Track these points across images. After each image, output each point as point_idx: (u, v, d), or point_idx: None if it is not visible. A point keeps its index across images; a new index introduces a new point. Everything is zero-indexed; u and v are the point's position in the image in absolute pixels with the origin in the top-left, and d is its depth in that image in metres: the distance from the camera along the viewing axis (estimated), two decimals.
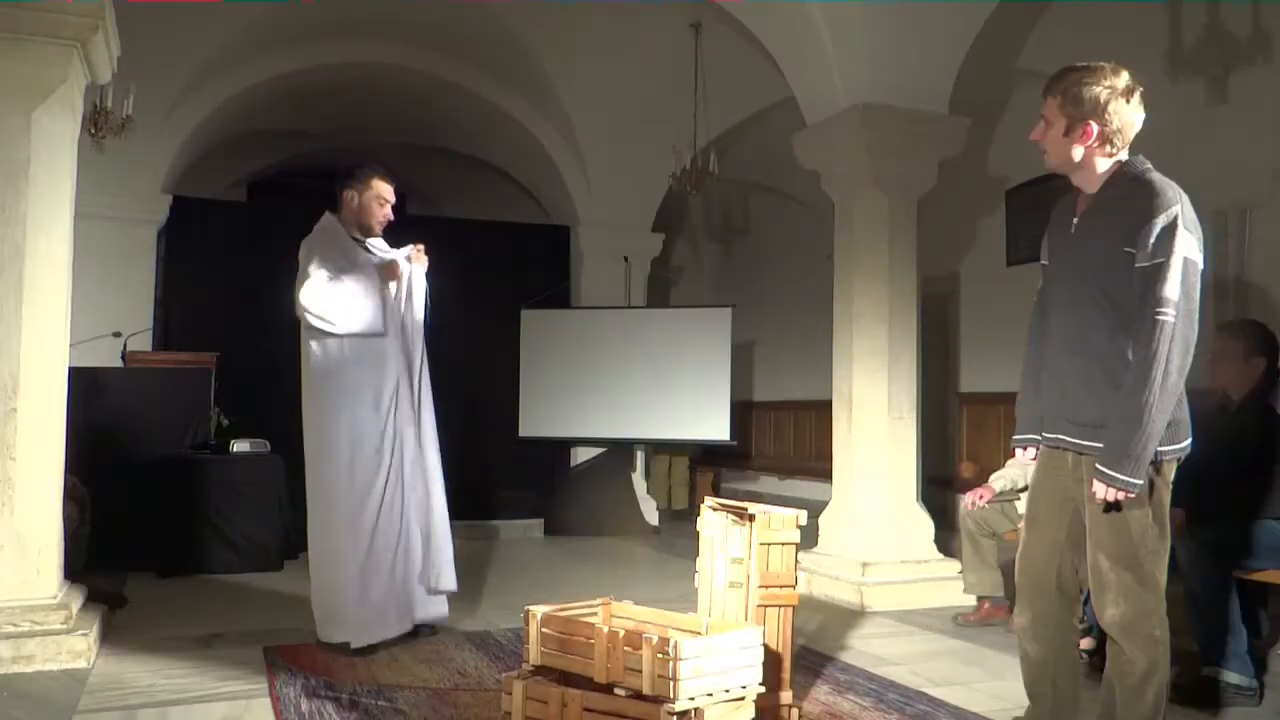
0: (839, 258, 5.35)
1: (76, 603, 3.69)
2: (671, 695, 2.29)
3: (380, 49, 7.28)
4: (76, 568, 4.08)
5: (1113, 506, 2.31)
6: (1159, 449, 2.28)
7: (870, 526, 5.01)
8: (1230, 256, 5.69)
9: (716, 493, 9.33)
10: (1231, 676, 3.23)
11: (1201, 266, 2.27)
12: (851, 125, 5.03)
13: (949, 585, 4.85)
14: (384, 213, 3.95)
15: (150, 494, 5.51)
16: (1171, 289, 2.21)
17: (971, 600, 4.51)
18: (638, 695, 2.37)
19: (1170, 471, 2.38)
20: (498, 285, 8.17)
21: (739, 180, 9.43)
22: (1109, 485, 2.25)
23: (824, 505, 5.35)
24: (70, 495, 3.99)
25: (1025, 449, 2.62)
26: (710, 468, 10.24)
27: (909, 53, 4.94)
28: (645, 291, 8.73)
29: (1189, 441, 2.37)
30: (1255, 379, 3.57)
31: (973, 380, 7.90)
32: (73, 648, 3.46)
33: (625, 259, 8.53)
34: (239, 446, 5.86)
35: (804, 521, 2.88)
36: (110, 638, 3.88)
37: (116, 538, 5.09)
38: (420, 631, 3.98)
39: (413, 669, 3.48)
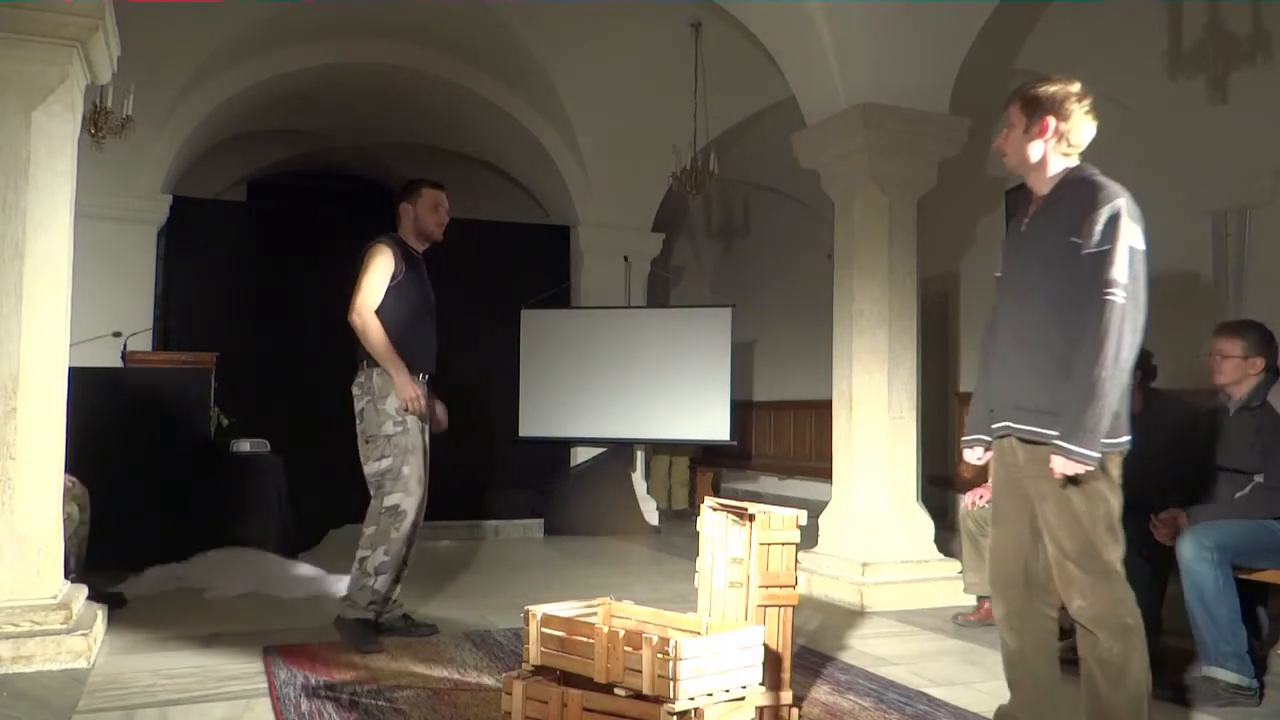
0: (839, 258, 5.35)
1: (76, 603, 3.68)
2: (671, 695, 2.29)
3: (380, 49, 7.28)
4: (76, 568, 4.07)
5: (1071, 481, 2.36)
6: (1101, 441, 2.32)
7: (870, 526, 5.01)
8: (1230, 256, 5.69)
9: (716, 493, 9.34)
10: (1231, 676, 3.23)
11: (1144, 253, 2.36)
12: (851, 125, 5.03)
13: (949, 585, 4.85)
14: (438, 217, 4.09)
15: (150, 494, 5.51)
16: (1119, 272, 2.30)
17: (971, 600, 4.51)
18: (638, 695, 2.36)
19: (1114, 466, 2.41)
20: (498, 285, 8.18)
21: (739, 180, 9.43)
22: (1067, 458, 2.31)
23: (824, 505, 5.36)
24: (70, 495, 3.99)
25: (972, 448, 2.71)
26: (710, 468, 10.24)
27: (909, 53, 4.94)
28: (645, 291, 8.73)
29: (1128, 438, 2.41)
30: (1255, 379, 3.58)
31: (972, 380, 7.83)
32: (73, 648, 3.46)
33: (625, 259, 8.54)
34: (239, 446, 5.85)
35: (804, 521, 2.88)
36: (110, 638, 3.88)
37: (116, 538, 5.08)
38: (420, 630, 4.02)
39: (413, 669, 3.48)
